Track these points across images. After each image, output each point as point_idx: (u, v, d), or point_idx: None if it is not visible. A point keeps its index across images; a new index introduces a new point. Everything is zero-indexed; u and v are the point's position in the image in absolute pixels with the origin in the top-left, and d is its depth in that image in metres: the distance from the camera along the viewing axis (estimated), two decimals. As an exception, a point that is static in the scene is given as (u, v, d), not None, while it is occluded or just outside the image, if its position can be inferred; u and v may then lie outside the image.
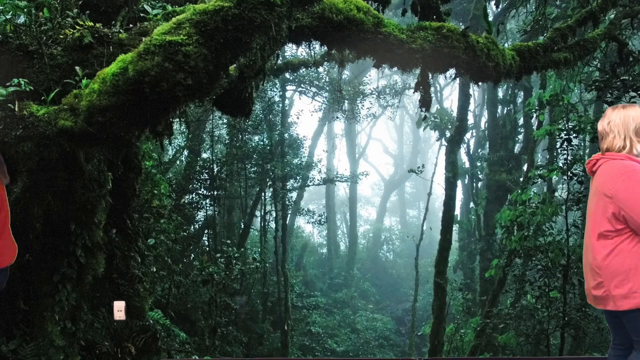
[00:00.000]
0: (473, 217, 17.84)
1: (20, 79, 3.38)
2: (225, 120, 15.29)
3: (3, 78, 3.42)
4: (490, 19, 7.13)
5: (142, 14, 4.06)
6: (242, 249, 14.22)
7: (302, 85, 18.61)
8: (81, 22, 3.74)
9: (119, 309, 4.92)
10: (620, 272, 2.71)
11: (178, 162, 15.55)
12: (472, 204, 18.81)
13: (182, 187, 13.47)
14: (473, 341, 11.63)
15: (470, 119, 18.71)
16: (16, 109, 3.27)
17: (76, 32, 3.68)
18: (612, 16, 6.86)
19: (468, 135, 18.42)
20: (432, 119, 15.74)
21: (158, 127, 3.67)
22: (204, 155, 15.37)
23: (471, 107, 17.47)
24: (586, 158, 12.95)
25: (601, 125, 2.96)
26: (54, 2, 3.85)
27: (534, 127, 13.50)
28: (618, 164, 2.77)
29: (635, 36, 8.93)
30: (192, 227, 14.61)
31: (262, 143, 16.45)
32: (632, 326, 2.81)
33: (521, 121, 16.76)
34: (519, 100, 17.35)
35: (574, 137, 7.99)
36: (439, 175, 19.80)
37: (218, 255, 11.79)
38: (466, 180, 20.13)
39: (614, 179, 2.75)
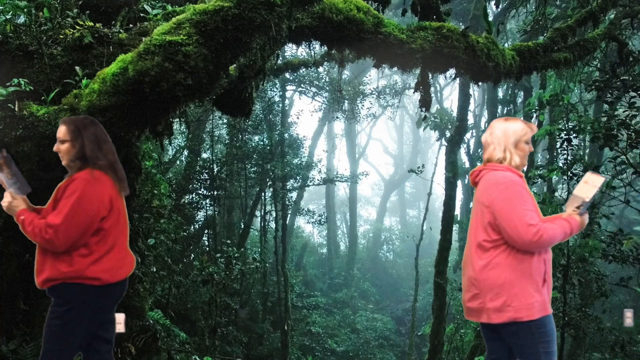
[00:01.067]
0: (473, 217, 17.80)
1: (20, 79, 3.38)
2: (225, 120, 15.29)
3: (3, 78, 3.42)
4: (490, 19, 7.13)
5: (142, 14, 4.06)
6: (242, 249, 14.21)
7: (302, 85, 18.61)
8: (81, 22, 3.74)
9: (119, 321, 4.93)
10: (495, 285, 2.71)
11: (178, 162, 15.55)
12: (472, 204, 18.79)
13: (182, 187, 13.47)
14: (473, 341, 11.62)
15: (470, 119, 18.73)
16: (16, 109, 3.27)
17: (76, 32, 3.68)
18: (612, 16, 6.86)
19: (468, 135, 18.44)
20: (432, 119, 15.73)
21: (158, 127, 3.67)
22: (204, 155, 15.36)
23: (471, 107, 17.47)
24: (586, 158, 12.99)
25: (484, 137, 2.99)
26: (54, 2, 3.85)
27: (534, 127, 13.48)
28: (498, 175, 2.79)
29: (635, 36, 8.94)
30: (192, 227, 14.61)
31: (262, 143, 16.45)
32: (513, 342, 2.79)
33: (521, 121, 16.75)
34: (519, 100, 17.35)
35: (574, 137, 7.97)
36: (439, 175, 19.81)
37: (218, 255, 11.79)
38: (466, 180, 20.13)
39: (492, 188, 2.76)
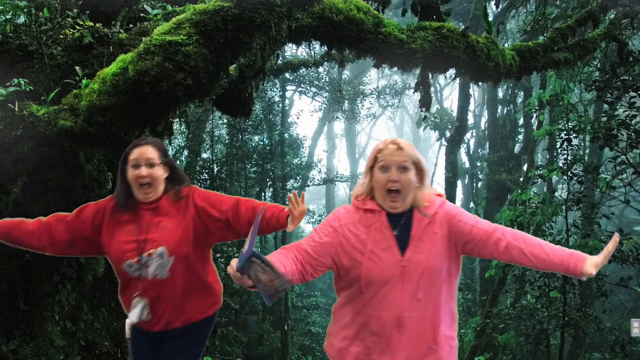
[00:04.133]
0: (473, 217, 17.79)
1: (20, 79, 3.38)
2: (225, 120, 15.28)
3: (3, 78, 3.42)
4: (490, 19, 7.13)
5: (142, 14, 4.05)
6: (242, 249, 14.17)
7: (302, 85, 18.60)
8: (81, 22, 3.74)
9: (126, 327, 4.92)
10: None
11: (178, 162, 15.54)
12: (472, 204, 18.80)
13: (182, 187, 13.43)
14: (473, 341, 11.62)
15: (470, 119, 18.73)
16: (16, 109, 3.27)
17: (76, 32, 3.68)
18: (612, 16, 6.86)
19: (468, 135, 18.43)
20: (432, 119, 15.72)
21: (158, 127, 3.67)
22: (204, 155, 15.34)
23: (471, 107, 17.47)
24: (586, 158, 12.97)
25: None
26: (54, 2, 3.85)
27: (534, 127, 13.49)
28: None
29: (635, 36, 8.94)
30: (192, 227, 14.57)
31: (262, 143, 16.44)
32: None
33: (521, 121, 16.75)
34: (519, 100, 17.34)
35: (574, 137, 7.98)
36: (439, 175, 19.83)
37: (218, 255, 11.77)
38: (466, 180, 20.13)
39: None
